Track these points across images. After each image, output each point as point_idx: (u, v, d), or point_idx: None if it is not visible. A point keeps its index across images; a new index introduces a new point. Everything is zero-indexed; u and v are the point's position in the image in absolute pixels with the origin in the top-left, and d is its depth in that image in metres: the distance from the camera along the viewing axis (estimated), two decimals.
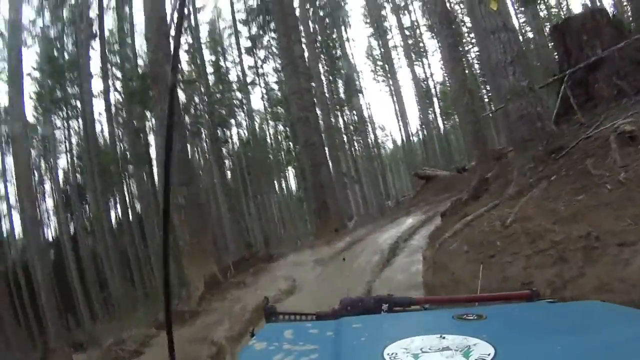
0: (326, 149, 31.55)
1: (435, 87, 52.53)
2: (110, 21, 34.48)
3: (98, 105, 35.81)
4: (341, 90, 49.92)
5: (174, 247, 15.05)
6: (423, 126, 52.99)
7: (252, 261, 17.85)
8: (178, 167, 14.87)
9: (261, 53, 46.01)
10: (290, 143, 45.27)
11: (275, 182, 52.62)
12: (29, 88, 37.56)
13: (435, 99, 53.07)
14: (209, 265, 14.76)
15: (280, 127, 48.53)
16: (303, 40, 31.21)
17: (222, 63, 46.68)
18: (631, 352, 1.11)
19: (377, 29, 51.62)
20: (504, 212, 8.48)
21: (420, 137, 55.39)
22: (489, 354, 1.11)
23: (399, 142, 61.19)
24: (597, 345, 1.18)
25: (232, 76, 47.31)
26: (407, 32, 51.17)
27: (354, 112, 50.04)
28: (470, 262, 7.47)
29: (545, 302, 1.81)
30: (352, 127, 50.21)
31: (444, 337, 1.23)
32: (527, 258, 6.31)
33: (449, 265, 8.18)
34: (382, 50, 52.56)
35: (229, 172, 46.88)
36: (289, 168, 50.90)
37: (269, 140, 51.02)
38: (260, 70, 46.92)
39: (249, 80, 46.88)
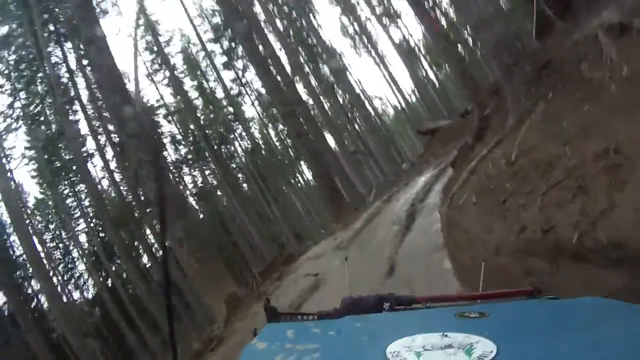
0: (329, 135, 30.77)
1: (417, 45, 50.99)
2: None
3: (99, 162, 35.06)
4: (328, 74, 48.63)
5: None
6: (416, 84, 51.43)
7: (275, 266, 16.86)
8: (170, 202, 13.89)
9: (240, 64, 45.21)
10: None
11: (292, 178, 51.56)
12: (28, 167, 37.69)
13: (421, 55, 51.58)
14: (226, 286, 13.65)
15: (280, 127, 47.48)
16: (273, 38, 30.24)
17: (205, 85, 45.85)
18: (632, 349, 1.07)
19: (344, 7, 50.03)
20: (507, 148, 7.39)
21: (417, 95, 53.90)
22: (491, 352, 1.08)
23: (398, 106, 59.60)
24: (599, 342, 1.14)
25: (219, 94, 46.55)
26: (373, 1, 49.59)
27: (347, 92, 48.71)
28: (481, 214, 6.51)
29: (546, 299, 1.79)
30: (349, 106, 48.91)
31: (446, 335, 1.19)
32: (543, 196, 5.16)
33: (461, 221, 7.27)
34: (356, 24, 50.91)
35: (245, 185, 46.39)
36: (301, 162, 49.66)
37: (272, 142, 49.87)
38: (244, 80, 46.16)
39: (235, 92, 46.26)
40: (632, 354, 1.07)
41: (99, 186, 36.84)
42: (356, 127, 49.57)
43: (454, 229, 7.72)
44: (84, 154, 34.71)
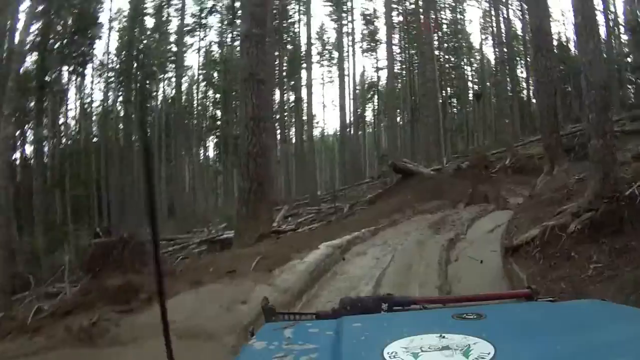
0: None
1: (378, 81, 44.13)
2: None
3: None
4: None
5: None
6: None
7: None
8: None
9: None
10: (218, 111, 39.37)
11: (194, 149, 41.77)
12: None
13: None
14: None
15: (210, 93, 40.85)
16: None
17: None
18: (630, 351, 1.00)
19: (336, 9, 41.43)
20: None
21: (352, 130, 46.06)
22: (488, 353, 1.00)
23: (330, 132, 51.53)
24: (596, 344, 1.07)
25: (173, 25, 37.96)
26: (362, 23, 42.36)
27: (292, 91, 40.11)
28: None
29: (544, 301, 1.66)
30: (289, 107, 40.54)
31: (443, 337, 1.10)
32: None
33: None
34: (337, 28, 42.44)
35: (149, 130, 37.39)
36: (210, 138, 42.25)
37: (195, 104, 41.66)
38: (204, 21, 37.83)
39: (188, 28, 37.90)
40: (629, 356, 0.98)
41: None
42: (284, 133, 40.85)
43: None
44: None
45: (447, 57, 40.62)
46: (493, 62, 39.58)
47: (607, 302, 1.53)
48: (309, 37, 34.42)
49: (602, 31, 32.31)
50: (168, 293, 6.50)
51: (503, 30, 33.27)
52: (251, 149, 11.31)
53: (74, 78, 32.97)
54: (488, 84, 39.64)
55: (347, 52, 42.70)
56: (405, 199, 14.48)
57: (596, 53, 7.85)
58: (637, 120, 17.62)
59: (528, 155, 19.80)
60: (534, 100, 37.06)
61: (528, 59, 35.68)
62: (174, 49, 38.01)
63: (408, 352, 1.02)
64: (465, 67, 41.58)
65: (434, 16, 35.50)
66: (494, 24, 33.73)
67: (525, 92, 37.76)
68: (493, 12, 32.63)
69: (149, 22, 37.21)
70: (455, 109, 41.90)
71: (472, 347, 1.01)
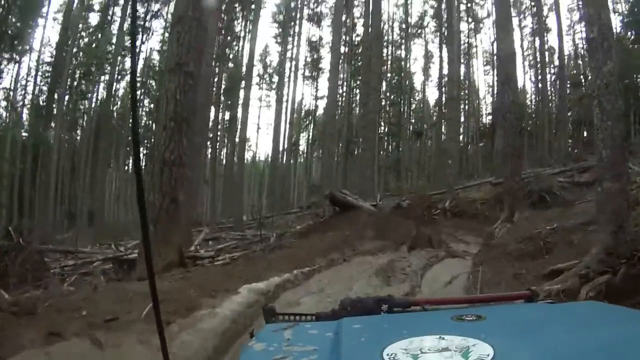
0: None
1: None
2: None
3: None
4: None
5: None
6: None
7: None
8: None
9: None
10: (150, 121, 36.17)
11: (122, 157, 38.79)
12: None
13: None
14: None
15: (146, 102, 37.97)
16: None
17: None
18: (629, 353, 0.99)
19: (282, 32, 39.87)
20: None
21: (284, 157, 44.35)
22: (487, 355, 0.98)
23: (262, 157, 49.86)
24: (596, 345, 1.04)
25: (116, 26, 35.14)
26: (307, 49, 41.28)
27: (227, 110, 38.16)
28: None
29: (543, 302, 1.61)
30: (223, 126, 39.03)
31: (443, 338, 1.08)
32: None
33: None
34: (281, 52, 40.77)
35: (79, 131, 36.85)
36: (141, 149, 37.27)
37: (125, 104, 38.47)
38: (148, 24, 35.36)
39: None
40: (628, 357, 0.96)
41: None
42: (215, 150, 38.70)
43: None
44: None
45: (387, 93, 39.61)
46: (432, 102, 39.38)
47: (605, 304, 1.50)
48: (251, 55, 32.19)
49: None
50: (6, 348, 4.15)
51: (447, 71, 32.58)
52: (167, 156, 8.78)
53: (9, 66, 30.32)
54: (425, 125, 39.18)
55: (289, 77, 41.27)
56: (343, 236, 12.13)
57: (613, 76, 6.24)
58: (586, 171, 16.87)
59: (469, 199, 18.55)
60: (469, 147, 37.74)
61: (469, 104, 35.86)
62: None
63: (408, 353, 1.00)
64: (404, 105, 40.88)
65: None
66: (445, 65, 32.96)
67: (462, 137, 37.31)
68: (445, 54, 31.74)
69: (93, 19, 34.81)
70: (390, 147, 41.03)
71: (471, 348, 0.99)
